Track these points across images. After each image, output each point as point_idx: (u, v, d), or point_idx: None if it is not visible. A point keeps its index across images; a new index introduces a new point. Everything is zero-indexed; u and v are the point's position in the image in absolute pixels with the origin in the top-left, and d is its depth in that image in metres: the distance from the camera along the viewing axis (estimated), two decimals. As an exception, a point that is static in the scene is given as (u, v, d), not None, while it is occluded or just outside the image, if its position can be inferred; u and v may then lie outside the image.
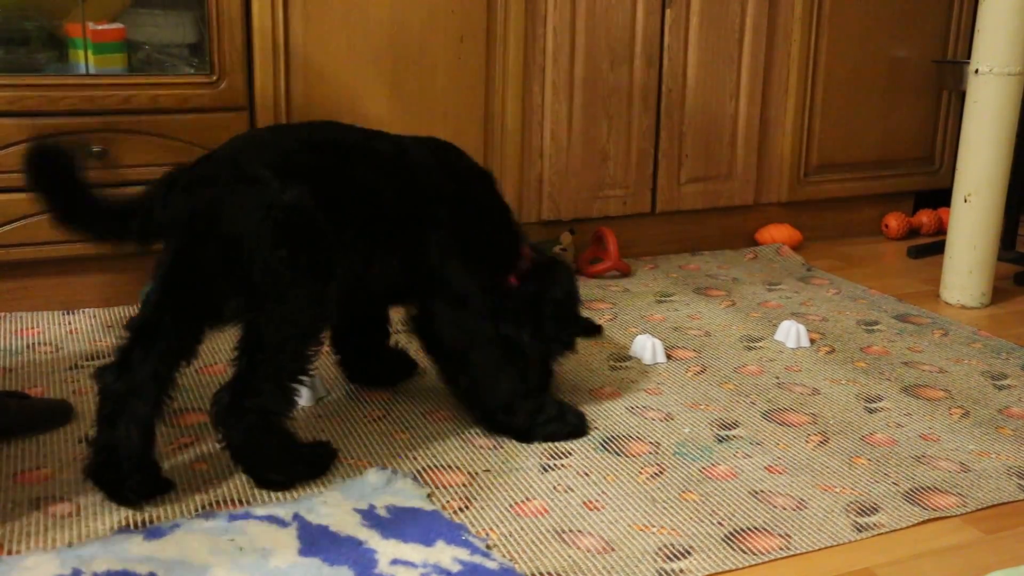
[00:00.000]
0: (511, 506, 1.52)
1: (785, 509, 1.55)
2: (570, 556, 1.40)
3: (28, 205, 2.16)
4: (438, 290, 1.69)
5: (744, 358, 2.16)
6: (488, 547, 1.41)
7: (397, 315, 1.89)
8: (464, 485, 1.58)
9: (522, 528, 1.46)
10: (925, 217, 3.24)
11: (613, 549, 1.42)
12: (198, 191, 1.48)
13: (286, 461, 1.54)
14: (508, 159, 2.60)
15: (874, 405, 1.94)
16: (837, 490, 1.61)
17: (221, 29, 2.25)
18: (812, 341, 2.25)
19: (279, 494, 1.52)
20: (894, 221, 3.19)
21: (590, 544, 1.43)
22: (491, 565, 1.36)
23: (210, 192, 1.48)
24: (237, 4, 2.25)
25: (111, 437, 1.47)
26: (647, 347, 2.10)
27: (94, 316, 2.23)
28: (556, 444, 1.72)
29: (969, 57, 2.62)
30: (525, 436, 1.72)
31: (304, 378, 1.55)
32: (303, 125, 1.81)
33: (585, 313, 2.39)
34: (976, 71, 2.47)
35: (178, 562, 1.33)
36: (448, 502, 1.53)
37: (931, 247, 2.98)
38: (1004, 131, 2.48)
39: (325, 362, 2.03)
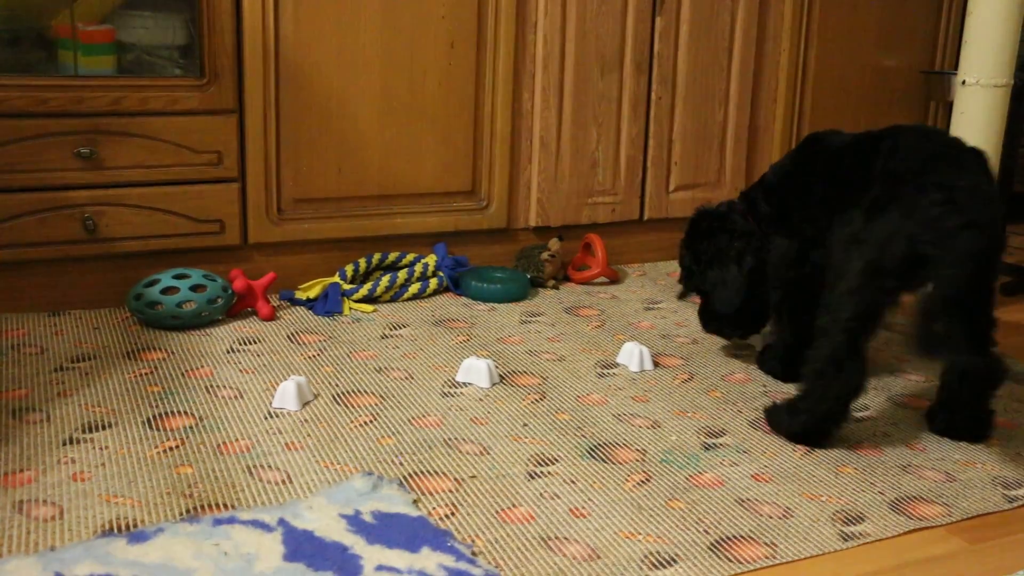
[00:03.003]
0: (497, 513, 1.52)
1: (771, 518, 1.55)
2: (556, 563, 1.40)
3: (15, 205, 2.15)
4: None
5: (731, 366, 2.16)
6: (474, 554, 1.41)
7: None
8: (450, 491, 1.58)
9: (508, 535, 1.46)
10: (912, 227, 3.25)
11: (599, 556, 1.42)
12: None
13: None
14: (497, 165, 2.60)
15: (861, 414, 1.94)
16: (823, 499, 1.62)
17: (212, 32, 2.24)
18: (799, 350, 2.25)
19: (264, 499, 1.51)
20: (881, 231, 3.20)
21: (576, 551, 1.43)
22: (476, 572, 1.35)
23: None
24: (228, 7, 2.24)
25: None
26: (634, 354, 2.11)
27: (80, 318, 2.23)
28: (543, 451, 1.72)
29: (956, 68, 2.63)
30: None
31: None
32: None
33: (573, 320, 2.40)
34: (963, 82, 2.48)
35: (162, 566, 1.32)
36: (434, 508, 1.52)
37: (918, 257, 2.99)
38: (991, 142, 2.49)
39: (314, 365, 2.03)
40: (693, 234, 2.12)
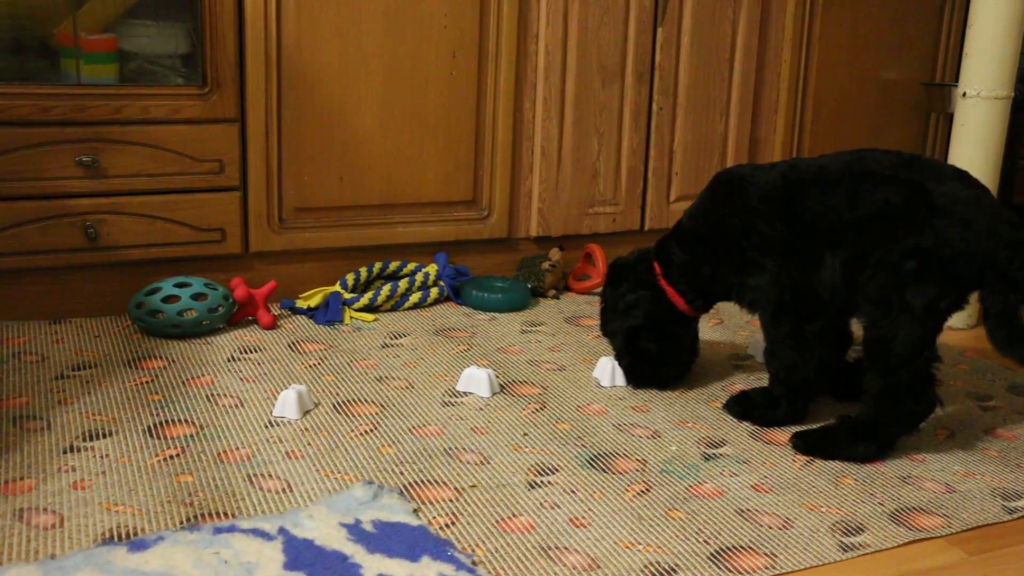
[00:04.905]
0: (497, 522, 1.52)
1: (771, 528, 1.55)
2: (556, 573, 1.40)
3: (16, 213, 2.16)
4: None
5: (731, 377, 2.16)
6: (474, 563, 1.41)
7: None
8: (450, 501, 1.58)
9: (508, 544, 1.46)
10: (912, 238, 3.25)
11: (599, 566, 1.42)
12: None
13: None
14: (498, 175, 2.60)
15: (860, 425, 1.94)
16: (823, 510, 1.62)
17: (214, 41, 2.25)
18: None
19: (264, 508, 1.51)
20: (882, 241, 3.20)
21: (576, 561, 1.43)
22: (477, 581, 1.35)
23: None
24: (230, 15, 2.25)
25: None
26: (606, 369, 2.07)
27: (81, 326, 2.23)
28: (543, 461, 1.72)
29: (957, 80, 2.64)
30: None
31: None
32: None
33: (574, 330, 2.40)
34: (964, 94, 2.49)
35: (162, 575, 1.32)
36: (434, 518, 1.52)
37: (918, 268, 2.99)
38: (991, 154, 2.49)
39: (315, 373, 2.03)
40: (607, 282, 2.09)
